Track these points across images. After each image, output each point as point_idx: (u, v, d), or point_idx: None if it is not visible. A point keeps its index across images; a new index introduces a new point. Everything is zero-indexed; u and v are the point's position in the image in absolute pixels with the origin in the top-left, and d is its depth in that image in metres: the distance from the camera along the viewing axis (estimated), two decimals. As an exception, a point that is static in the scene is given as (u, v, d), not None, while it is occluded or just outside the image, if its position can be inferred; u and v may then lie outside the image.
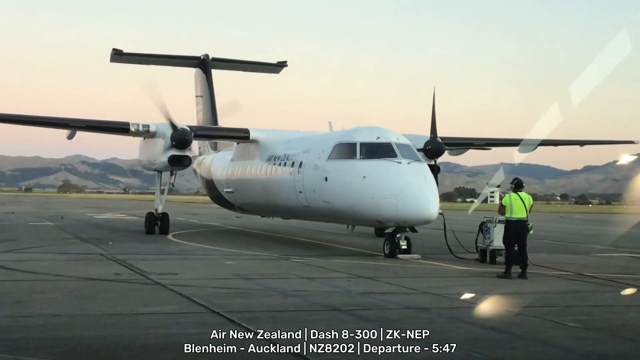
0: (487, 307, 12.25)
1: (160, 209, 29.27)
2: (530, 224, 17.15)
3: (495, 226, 19.21)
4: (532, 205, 17.27)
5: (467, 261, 19.83)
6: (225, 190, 31.67)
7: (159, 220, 29.19)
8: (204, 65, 37.92)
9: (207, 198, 38.23)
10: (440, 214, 20.37)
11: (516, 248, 16.92)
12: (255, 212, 31.59)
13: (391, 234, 20.49)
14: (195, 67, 38.59)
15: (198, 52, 38.51)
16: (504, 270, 16.69)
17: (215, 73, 38.37)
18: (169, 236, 27.90)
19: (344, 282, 15.09)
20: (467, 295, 13.27)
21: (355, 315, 10.86)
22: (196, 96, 38.76)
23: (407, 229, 20.43)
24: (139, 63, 37.61)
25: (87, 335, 9.28)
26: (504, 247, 17.65)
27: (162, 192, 29.94)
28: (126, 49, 35.67)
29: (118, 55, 35.49)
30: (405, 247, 20.33)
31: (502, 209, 17.32)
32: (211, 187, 33.88)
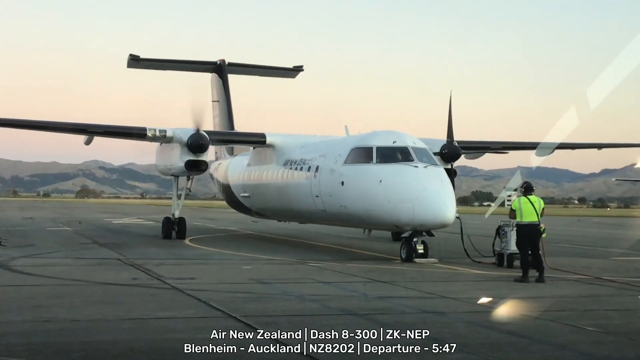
0: (505, 311, 12.20)
1: (177, 214, 29.37)
2: (543, 227, 17.04)
3: (512, 230, 19.12)
4: (543, 209, 17.14)
5: (484, 265, 19.75)
6: (241, 195, 31.71)
7: (176, 225, 29.28)
8: (220, 70, 38.02)
9: (224, 203, 38.30)
10: (457, 217, 20.31)
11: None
12: (272, 216, 31.62)
13: (408, 238, 20.44)
14: (211, 72, 38.68)
15: (214, 57, 38.62)
16: (521, 274, 16.62)
17: (232, 78, 38.49)
18: (186, 241, 27.97)
19: (361, 287, 15.07)
20: (484, 300, 13.21)
21: (372, 320, 10.83)
22: (212, 101, 38.87)
23: (424, 233, 20.38)
24: (156, 69, 37.77)
25: (105, 340, 9.32)
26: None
27: (179, 197, 30.04)
28: (143, 55, 35.78)
29: (135, 61, 35.64)
30: (422, 251, 20.29)
31: (512, 213, 17.28)
32: (228, 192, 33.95)
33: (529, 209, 16.86)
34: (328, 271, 18.00)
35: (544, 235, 17.09)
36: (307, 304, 12.62)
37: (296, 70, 38.89)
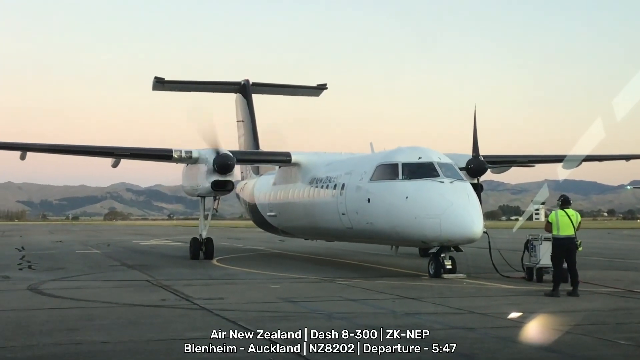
0: (536, 326, 12.08)
1: (204, 234, 29.46)
2: (579, 241, 16.87)
3: (541, 244, 18.97)
4: (579, 222, 16.99)
5: (513, 280, 19.59)
6: (268, 214, 31.77)
7: (203, 245, 29.35)
8: (245, 90, 38.24)
9: (251, 222, 38.37)
10: (484, 232, 20.20)
11: (565, 265, 16.68)
12: (298, 235, 31.63)
13: (435, 254, 20.36)
14: (236, 92, 38.92)
15: (238, 78, 38.83)
16: (551, 288, 16.46)
17: (256, 97, 38.67)
18: (214, 261, 28.04)
19: (389, 303, 15.02)
20: (514, 314, 13.10)
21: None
22: (237, 121, 39.08)
23: (452, 249, 20.29)
24: (181, 90, 38.08)
25: (135, 361, 9.35)
26: (551, 265, 17.40)
27: (205, 217, 30.17)
28: (167, 77, 36.05)
29: (160, 84, 35.94)
30: (450, 266, 20.21)
31: (548, 225, 17.10)
32: (254, 211, 34.02)
33: (566, 222, 16.69)
34: (356, 288, 17.95)
35: (579, 249, 16.91)
36: (335, 321, 12.57)
37: (320, 88, 39.02)
